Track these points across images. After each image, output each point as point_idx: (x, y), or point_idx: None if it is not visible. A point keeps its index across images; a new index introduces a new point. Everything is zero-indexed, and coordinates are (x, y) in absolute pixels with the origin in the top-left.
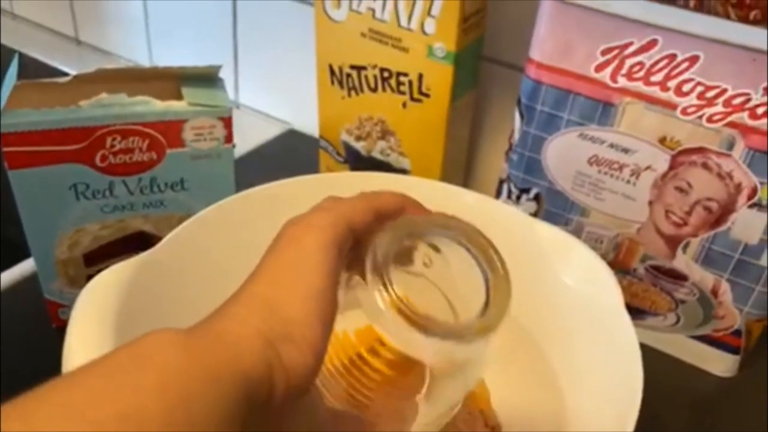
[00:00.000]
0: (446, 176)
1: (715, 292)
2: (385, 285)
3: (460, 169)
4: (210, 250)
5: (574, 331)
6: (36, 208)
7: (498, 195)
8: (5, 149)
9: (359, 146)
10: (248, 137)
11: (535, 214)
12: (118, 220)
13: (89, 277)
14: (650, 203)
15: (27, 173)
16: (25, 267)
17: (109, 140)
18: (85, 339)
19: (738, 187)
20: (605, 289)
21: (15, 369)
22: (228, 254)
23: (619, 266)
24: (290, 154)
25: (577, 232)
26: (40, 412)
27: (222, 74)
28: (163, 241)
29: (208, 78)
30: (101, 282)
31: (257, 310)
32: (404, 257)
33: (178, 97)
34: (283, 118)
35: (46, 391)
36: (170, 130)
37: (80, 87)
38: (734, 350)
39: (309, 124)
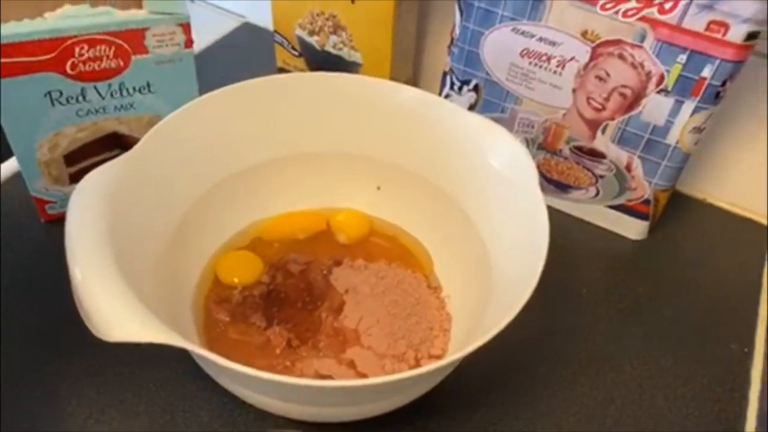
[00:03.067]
0: (396, 68)
1: (628, 168)
2: None
3: (410, 62)
4: (187, 144)
5: (495, 202)
6: (15, 115)
7: (442, 86)
8: None
9: (313, 40)
10: (205, 32)
11: (474, 104)
12: (92, 123)
13: (71, 176)
14: (574, 91)
15: (2, 83)
16: (11, 165)
17: (77, 50)
18: (82, 228)
19: (648, 75)
20: (523, 170)
21: (9, 259)
22: (202, 147)
23: (548, 148)
24: (247, 49)
25: (511, 119)
26: None
27: None
28: (142, 140)
29: None
30: (92, 180)
31: None
32: None
33: (139, 6)
34: (238, 11)
35: None
36: (134, 38)
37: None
38: (644, 216)
39: (264, 17)
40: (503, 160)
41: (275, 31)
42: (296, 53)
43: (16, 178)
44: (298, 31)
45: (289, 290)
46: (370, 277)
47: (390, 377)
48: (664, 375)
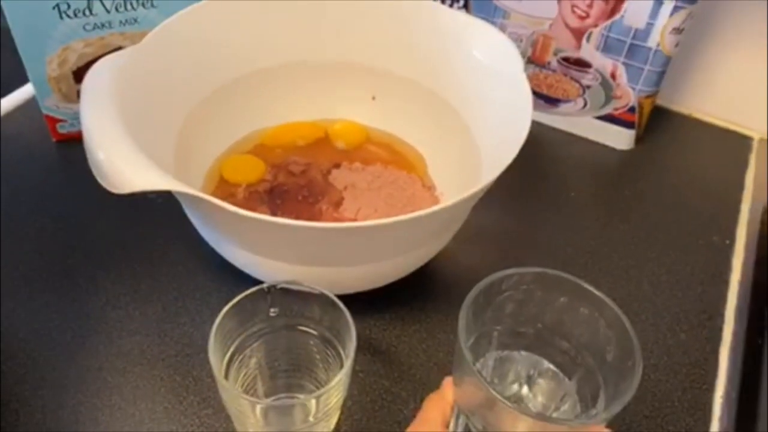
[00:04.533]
0: None
1: (613, 75)
2: None
3: None
4: (190, 44)
5: (484, 95)
6: (25, 29)
7: None
8: None
9: None
10: None
11: None
12: (99, 38)
13: (79, 93)
14: (559, 1)
15: None
16: (25, 90)
17: None
18: (95, 101)
19: None
20: (509, 59)
21: (22, 177)
22: (204, 49)
23: (537, 61)
24: None
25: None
26: None
27: None
28: (149, 35)
29: None
30: (100, 66)
31: None
32: None
33: None
34: None
35: None
36: None
37: None
38: (630, 125)
39: None
40: (490, 53)
41: None
42: None
43: (30, 103)
44: None
45: (291, 187)
46: (367, 176)
47: (391, 219)
48: (649, 264)
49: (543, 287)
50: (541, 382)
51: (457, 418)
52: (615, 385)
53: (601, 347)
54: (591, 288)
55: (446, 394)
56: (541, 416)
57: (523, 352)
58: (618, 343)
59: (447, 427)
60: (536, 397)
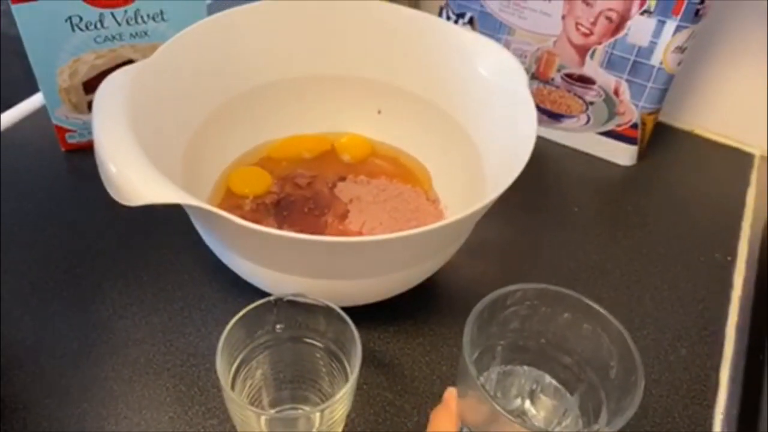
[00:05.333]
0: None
1: (616, 92)
2: None
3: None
4: (199, 59)
5: (488, 110)
6: (38, 40)
7: None
8: None
9: None
10: None
11: None
12: (110, 50)
13: (89, 104)
14: (563, 18)
15: (27, 7)
16: (35, 100)
17: None
18: (108, 115)
19: None
20: (513, 76)
21: (31, 185)
22: (213, 64)
23: (541, 77)
24: None
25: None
26: None
27: None
28: (158, 50)
29: None
30: (113, 80)
31: None
32: None
33: None
34: None
35: None
36: None
37: None
38: (633, 141)
39: None
40: (495, 70)
41: None
42: None
43: (39, 112)
44: None
45: (298, 199)
46: (372, 189)
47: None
48: (652, 279)
49: (546, 303)
50: (544, 398)
51: None
52: (617, 401)
53: (604, 363)
54: (594, 304)
55: (451, 406)
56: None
57: (526, 367)
58: (620, 359)
59: None
60: (539, 412)
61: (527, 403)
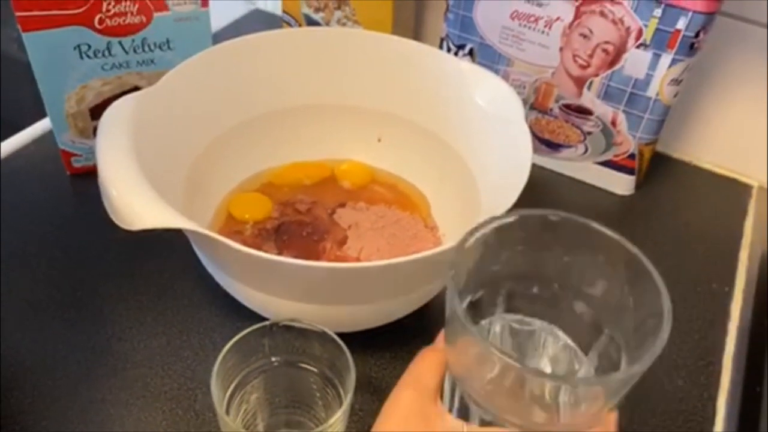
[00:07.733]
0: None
1: (614, 122)
2: None
3: (410, 34)
4: (201, 88)
5: (486, 140)
6: (47, 67)
7: None
8: (18, 13)
9: (318, 17)
10: (216, 18)
11: None
12: (116, 77)
13: (95, 129)
14: (561, 50)
15: (38, 36)
16: (43, 124)
17: (105, 5)
18: (111, 140)
19: (628, 30)
20: (510, 106)
21: (36, 208)
22: (215, 93)
23: (539, 107)
24: (257, 30)
25: (504, 80)
26: None
27: None
28: (162, 79)
29: None
30: (118, 106)
31: None
32: None
33: None
34: None
35: None
36: None
37: None
38: (631, 171)
39: (271, 3)
40: (492, 100)
41: (284, 11)
42: None
43: (46, 136)
44: (305, 9)
45: (297, 224)
46: (371, 215)
47: (391, 260)
48: None
49: (557, 236)
50: (557, 355)
51: (452, 392)
52: (636, 349)
53: (622, 306)
54: (614, 234)
55: (439, 348)
56: (540, 373)
57: (537, 321)
58: (639, 298)
59: (440, 384)
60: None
61: (544, 361)
